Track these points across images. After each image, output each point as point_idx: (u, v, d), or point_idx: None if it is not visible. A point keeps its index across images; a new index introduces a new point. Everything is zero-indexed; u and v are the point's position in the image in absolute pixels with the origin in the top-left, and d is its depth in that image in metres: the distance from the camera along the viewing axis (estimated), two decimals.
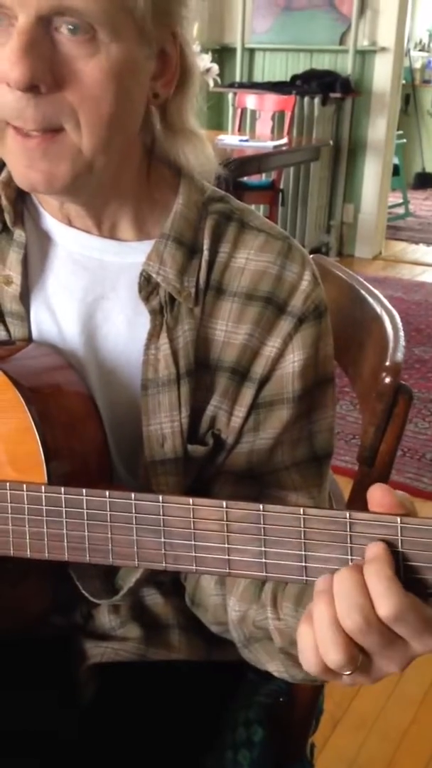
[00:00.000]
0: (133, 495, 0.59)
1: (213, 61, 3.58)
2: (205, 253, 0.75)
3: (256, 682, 0.86)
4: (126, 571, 0.75)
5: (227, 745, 0.82)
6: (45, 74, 0.61)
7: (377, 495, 0.53)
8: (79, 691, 0.82)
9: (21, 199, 0.78)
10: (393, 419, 0.79)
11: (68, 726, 0.78)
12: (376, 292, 0.97)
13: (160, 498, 0.58)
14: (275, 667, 0.73)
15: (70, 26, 0.62)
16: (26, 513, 0.64)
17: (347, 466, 2.47)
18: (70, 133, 0.64)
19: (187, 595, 0.82)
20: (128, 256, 0.76)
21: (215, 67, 3.58)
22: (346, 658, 0.52)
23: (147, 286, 0.74)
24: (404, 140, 6.81)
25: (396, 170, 5.93)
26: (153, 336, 0.74)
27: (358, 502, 0.85)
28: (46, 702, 0.80)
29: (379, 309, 0.92)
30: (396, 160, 5.82)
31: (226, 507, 0.56)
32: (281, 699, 0.87)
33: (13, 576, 0.71)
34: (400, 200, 6.51)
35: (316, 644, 0.53)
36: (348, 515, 0.53)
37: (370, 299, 0.95)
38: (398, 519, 0.51)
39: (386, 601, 0.50)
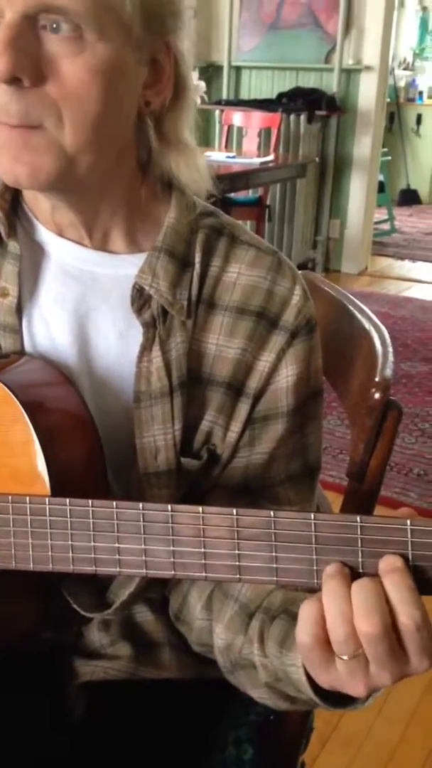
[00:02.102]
0: (141, 505, 0.60)
1: (200, 78, 3.61)
2: (197, 266, 0.75)
3: (247, 700, 0.85)
4: (118, 585, 0.74)
5: (217, 764, 0.82)
6: (28, 67, 0.62)
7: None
8: (69, 710, 0.81)
9: (14, 211, 0.78)
10: (382, 435, 0.80)
11: (58, 744, 0.77)
12: (365, 308, 0.98)
13: (169, 507, 0.59)
14: (258, 695, 0.73)
15: (55, 24, 0.62)
16: (29, 525, 0.63)
17: (335, 481, 2.47)
18: (50, 130, 0.65)
19: (172, 610, 0.82)
20: (120, 268, 0.76)
21: (202, 85, 3.61)
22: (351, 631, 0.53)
23: (139, 299, 0.74)
24: (389, 157, 6.88)
25: (381, 187, 5.98)
26: (146, 348, 0.74)
27: None
28: (36, 720, 0.79)
29: (367, 325, 0.92)
30: (381, 177, 5.88)
31: (237, 514, 0.57)
32: (271, 717, 0.86)
33: (1, 592, 0.71)
34: (386, 216, 6.57)
35: (322, 616, 0.54)
36: (358, 519, 0.54)
37: (358, 315, 0.96)
38: (408, 522, 0.53)
39: (409, 608, 0.51)
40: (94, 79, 0.64)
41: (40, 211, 0.77)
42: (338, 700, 0.61)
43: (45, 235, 0.77)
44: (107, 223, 0.75)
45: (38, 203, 0.76)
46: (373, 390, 0.80)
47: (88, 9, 0.62)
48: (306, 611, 0.55)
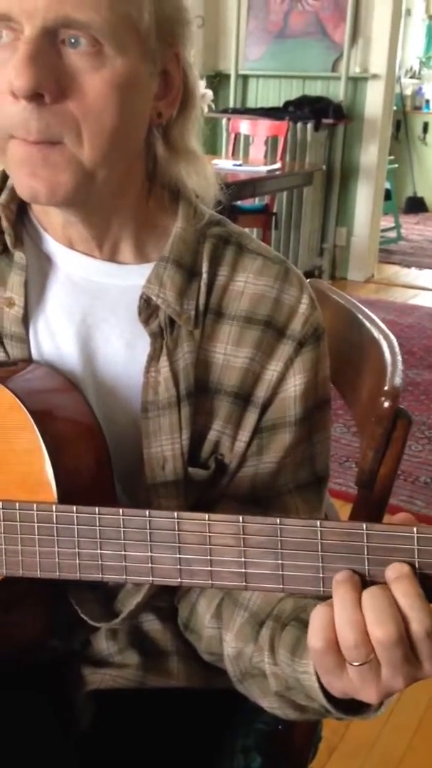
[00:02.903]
0: (147, 512, 0.60)
1: (207, 87, 3.62)
2: (204, 276, 0.75)
3: (255, 709, 0.85)
4: (125, 595, 0.74)
5: None
6: (49, 83, 0.62)
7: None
8: (77, 718, 0.81)
9: (21, 221, 0.78)
10: (392, 443, 0.80)
11: (66, 753, 0.77)
12: (373, 316, 0.98)
13: (176, 514, 0.59)
14: (268, 704, 0.72)
15: (74, 39, 0.62)
16: (36, 533, 0.63)
17: (341, 489, 2.47)
18: (69, 146, 0.64)
19: (180, 619, 0.82)
20: (127, 279, 0.76)
21: (209, 93, 3.62)
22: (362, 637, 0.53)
23: (147, 309, 0.74)
24: (396, 165, 6.88)
25: (388, 195, 5.99)
26: (153, 358, 0.74)
27: None
28: (44, 728, 0.79)
29: (376, 333, 0.92)
30: (388, 185, 5.88)
31: (243, 521, 0.57)
32: (280, 726, 0.86)
33: (9, 601, 0.71)
34: (392, 224, 6.57)
35: (333, 621, 0.54)
36: (365, 527, 0.54)
37: (367, 323, 0.96)
38: (414, 529, 0.53)
39: (420, 615, 0.52)
40: (113, 94, 0.64)
41: (50, 225, 0.77)
42: (349, 707, 0.61)
43: (53, 245, 0.77)
44: (117, 235, 0.76)
45: (49, 217, 0.76)
46: (383, 399, 0.79)
47: (108, 23, 0.62)
48: (317, 617, 0.55)
